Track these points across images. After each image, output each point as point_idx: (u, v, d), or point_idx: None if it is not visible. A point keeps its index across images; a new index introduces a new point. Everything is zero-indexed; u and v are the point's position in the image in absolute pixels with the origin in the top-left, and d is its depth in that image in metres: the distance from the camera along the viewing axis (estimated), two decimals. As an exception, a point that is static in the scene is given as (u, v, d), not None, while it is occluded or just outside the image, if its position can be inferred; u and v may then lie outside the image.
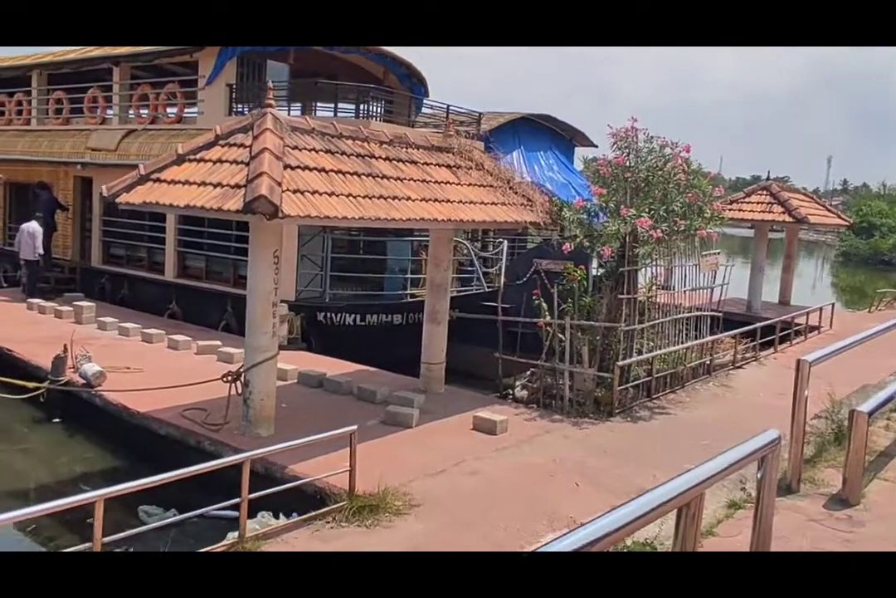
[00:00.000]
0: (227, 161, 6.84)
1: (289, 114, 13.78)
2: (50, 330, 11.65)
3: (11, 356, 10.52)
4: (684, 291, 10.88)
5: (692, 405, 9.57)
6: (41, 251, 14.31)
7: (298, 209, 6.33)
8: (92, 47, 14.96)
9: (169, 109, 14.60)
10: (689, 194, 9.37)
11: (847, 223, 22.54)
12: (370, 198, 7.23)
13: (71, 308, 12.85)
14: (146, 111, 14.56)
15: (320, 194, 6.73)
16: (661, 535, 4.72)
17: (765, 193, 17.87)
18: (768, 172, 19.95)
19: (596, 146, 20.41)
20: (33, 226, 14.30)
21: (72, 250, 15.79)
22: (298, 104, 16.74)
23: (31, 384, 8.35)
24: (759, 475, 3.29)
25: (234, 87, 13.04)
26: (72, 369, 9.38)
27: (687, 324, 10.81)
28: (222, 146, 7.06)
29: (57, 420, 9.41)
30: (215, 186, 6.56)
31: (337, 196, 6.88)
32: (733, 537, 4.84)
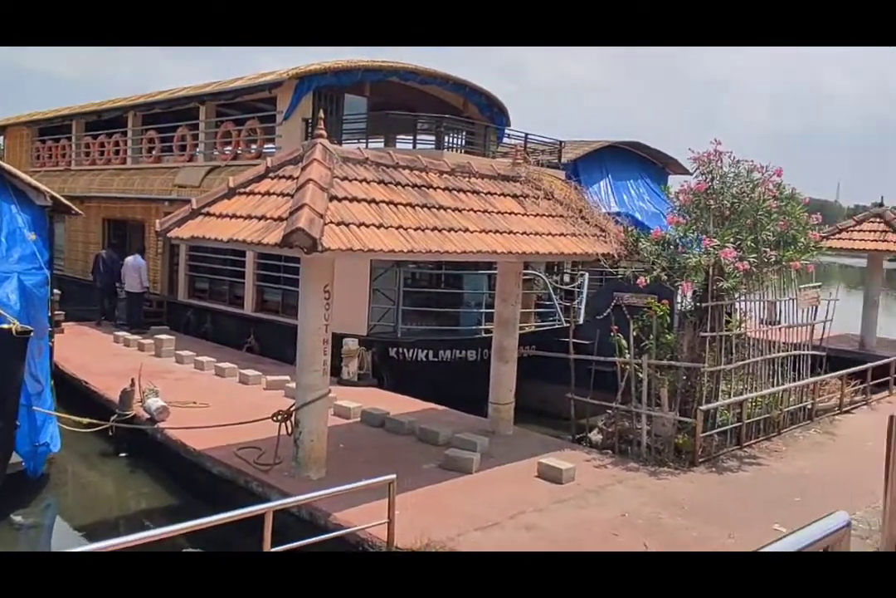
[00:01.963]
0: (274, 193, 6.66)
1: (366, 146, 13.75)
2: (129, 363, 11.82)
3: (87, 389, 10.71)
4: (780, 329, 9.94)
5: (788, 455, 8.61)
6: (147, 284, 14.95)
7: (340, 242, 6.03)
8: (181, 87, 15.52)
9: (251, 146, 14.87)
10: (781, 222, 8.57)
11: (974, 252, 20.53)
12: (423, 230, 6.87)
13: (152, 341, 13.07)
14: (229, 148, 14.90)
15: (367, 226, 6.42)
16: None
17: (878, 220, 16.46)
18: (881, 198, 18.39)
19: (690, 174, 19.53)
20: (138, 260, 14.92)
21: (160, 285, 16.23)
22: (381, 138, 16.81)
23: (85, 420, 8.35)
24: (828, 568, 2.63)
25: (311, 121, 13.10)
26: (139, 403, 9.40)
27: (784, 364, 9.84)
28: (272, 179, 6.91)
29: (123, 454, 9.41)
30: (260, 218, 6.38)
31: (385, 228, 6.56)
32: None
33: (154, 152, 16.75)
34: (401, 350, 12.14)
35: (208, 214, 6.84)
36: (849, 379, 11.03)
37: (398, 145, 15.54)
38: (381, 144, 15.88)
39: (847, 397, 10.82)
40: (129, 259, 15.06)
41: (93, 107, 18.83)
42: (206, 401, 9.90)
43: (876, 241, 15.96)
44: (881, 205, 17.72)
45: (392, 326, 12.42)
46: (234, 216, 6.61)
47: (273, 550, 4.87)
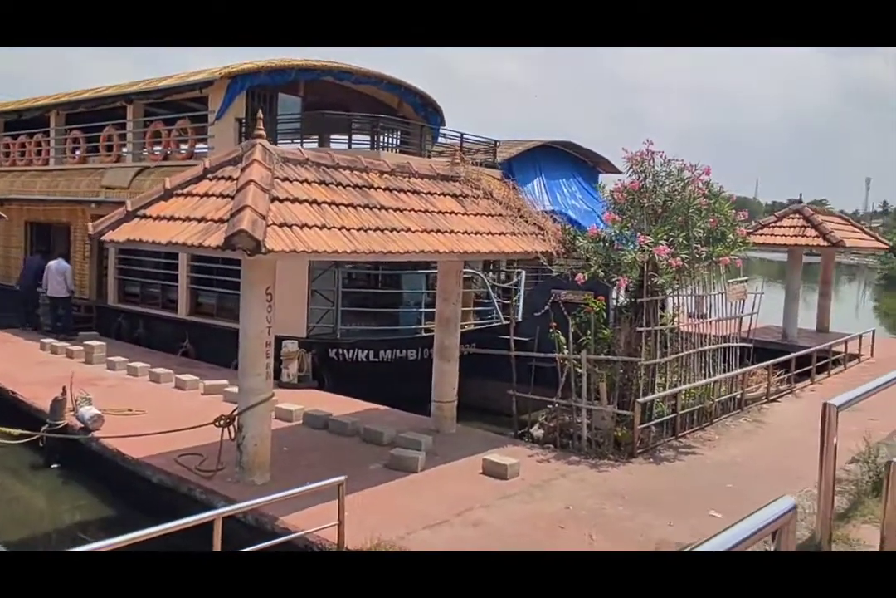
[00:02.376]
0: (213, 195, 6.55)
1: (301, 146, 13.61)
2: (58, 370, 11.42)
3: (14, 398, 10.31)
4: (711, 322, 10.30)
5: (721, 444, 8.94)
6: (73, 288, 14.42)
7: (284, 244, 5.98)
8: (107, 85, 15.05)
9: (182, 146, 14.54)
10: (711, 219, 8.88)
11: (886, 246, 21.64)
12: (365, 230, 6.87)
13: (81, 348, 12.67)
14: (159, 148, 14.53)
15: (310, 228, 6.38)
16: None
17: (797, 216, 17.20)
18: (800, 195, 19.22)
19: (621, 173, 19.95)
20: (62, 264, 14.37)
21: (89, 289, 15.73)
22: (315, 137, 16.66)
23: (16, 431, 8.05)
24: (772, 549, 2.77)
25: (245, 121, 12.91)
26: (71, 412, 9.10)
27: (715, 356, 10.20)
28: (210, 180, 6.79)
29: (55, 466, 9.09)
30: (199, 220, 6.27)
31: (328, 229, 6.53)
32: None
33: (79, 153, 16.21)
34: (341, 351, 12.09)
35: (144, 216, 6.68)
36: (774, 369, 11.51)
37: (332, 145, 15.43)
38: (316, 144, 15.75)
39: (773, 386, 11.29)
40: (53, 263, 14.46)
41: (12, 105, 18.09)
42: (142, 408, 9.66)
43: (796, 236, 16.66)
44: (800, 201, 18.53)
45: (332, 327, 12.35)
46: (172, 218, 6.47)
47: (223, 556, 4.81)
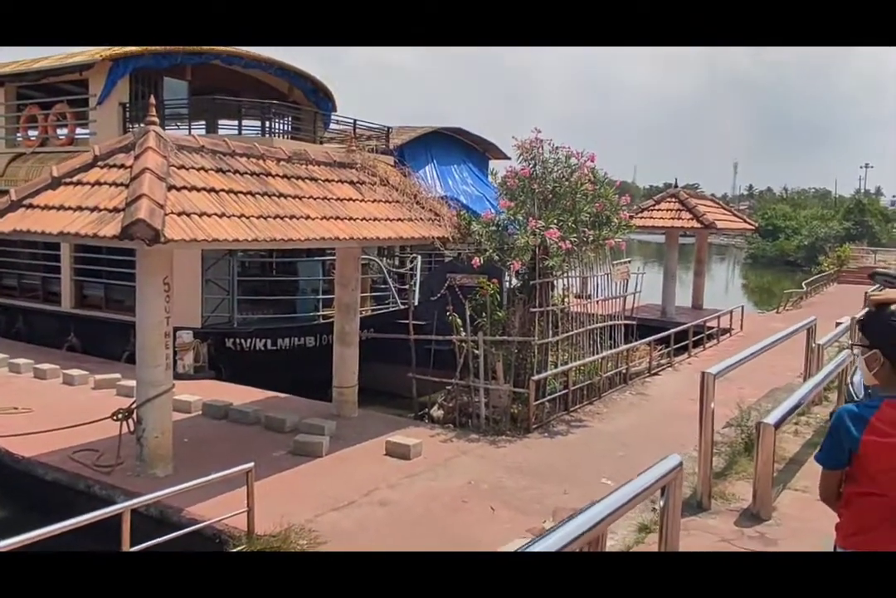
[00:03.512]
0: (105, 183, 6.39)
1: (189, 132, 13.26)
2: (-70, 370, 10.80)
3: None
4: (597, 301, 10.87)
5: (609, 416, 9.51)
6: None
7: (183, 233, 5.94)
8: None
9: (60, 131, 13.84)
10: (597, 204, 9.36)
11: (753, 227, 23.27)
12: (265, 218, 6.88)
13: (-44, 345, 11.97)
14: (35, 133, 13.77)
15: (209, 216, 6.35)
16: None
17: (673, 200, 18.26)
18: (676, 180, 20.37)
19: (509, 158, 20.48)
20: None
21: (-41, 283, 14.77)
22: (203, 123, 16.20)
23: None
24: (661, 504, 3.11)
25: (129, 106, 12.45)
26: (-49, 412, 8.64)
27: (602, 334, 10.78)
28: (101, 168, 6.61)
29: (-64, 469, 8.62)
30: (92, 210, 6.12)
31: (228, 217, 6.51)
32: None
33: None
34: (238, 341, 11.96)
35: (31, 205, 6.45)
36: (655, 345, 12.28)
37: (221, 131, 15.04)
38: (203, 130, 15.33)
39: (654, 361, 12.05)
40: None
41: None
42: (29, 405, 9.27)
43: (672, 218, 17.71)
44: (676, 186, 19.64)
45: (227, 316, 12.19)
46: (62, 208, 6.28)
47: (135, 548, 4.81)
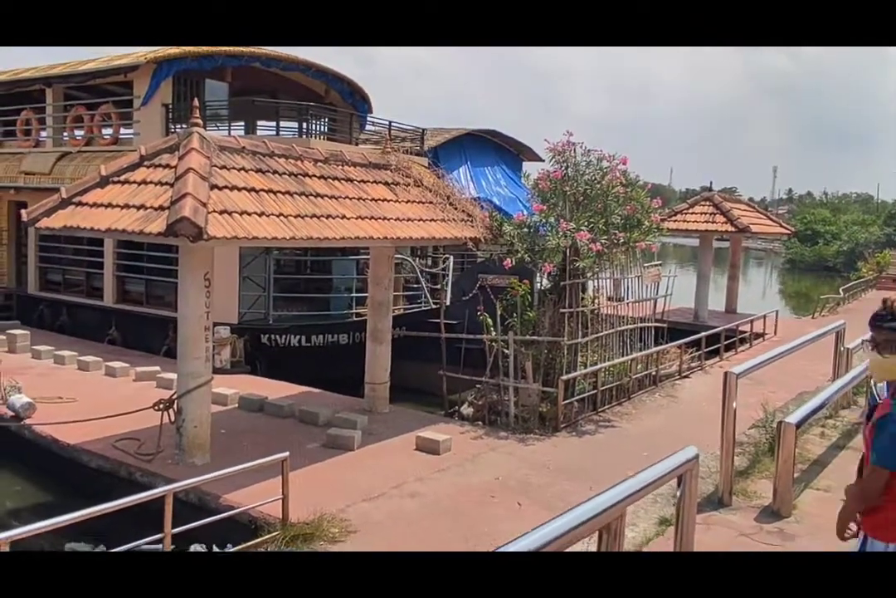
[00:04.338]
0: (151, 182, 6.66)
1: (230, 133, 13.60)
2: (-19, 360, 11.21)
3: (-63, 389, 10.07)
4: (628, 303, 10.93)
5: (637, 417, 9.57)
6: None
7: (225, 231, 6.17)
8: (24, 68, 14.60)
9: (105, 131, 14.28)
10: (628, 207, 9.44)
11: (789, 232, 23.03)
12: (302, 217, 7.10)
13: (4, 337, 12.41)
14: (81, 133, 14.23)
15: (249, 215, 6.58)
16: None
17: (708, 203, 18.17)
18: (711, 183, 20.28)
19: (543, 161, 20.54)
20: None
21: (7, 277, 15.31)
22: (242, 123, 16.56)
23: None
24: (678, 494, 3.23)
25: (171, 107, 12.81)
26: (0, 401, 9.02)
27: (632, 336, 10.84)
28: (147, 167, 6.89)
29: (-14, 454, 9.00)
30: (139, 208, 6.38)
31: (267, 216, 6.74)
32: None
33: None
34: (273, 337, 12.24)
35: (80, 203, 6.74)
36: (686, 348, 12.28)
37: (259, 131, 15.38)
38: (243, 130, 15.69)
39: (685, 363, 12.06)
40: None
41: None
42: (73, 396, 9.63)
43: (706, 222, 17.63)
44: (710, 189, 19.55)
45: (263, 313, 12.47)
46: (109, 205, 6.56)
47: (174, 531, 5.05)
